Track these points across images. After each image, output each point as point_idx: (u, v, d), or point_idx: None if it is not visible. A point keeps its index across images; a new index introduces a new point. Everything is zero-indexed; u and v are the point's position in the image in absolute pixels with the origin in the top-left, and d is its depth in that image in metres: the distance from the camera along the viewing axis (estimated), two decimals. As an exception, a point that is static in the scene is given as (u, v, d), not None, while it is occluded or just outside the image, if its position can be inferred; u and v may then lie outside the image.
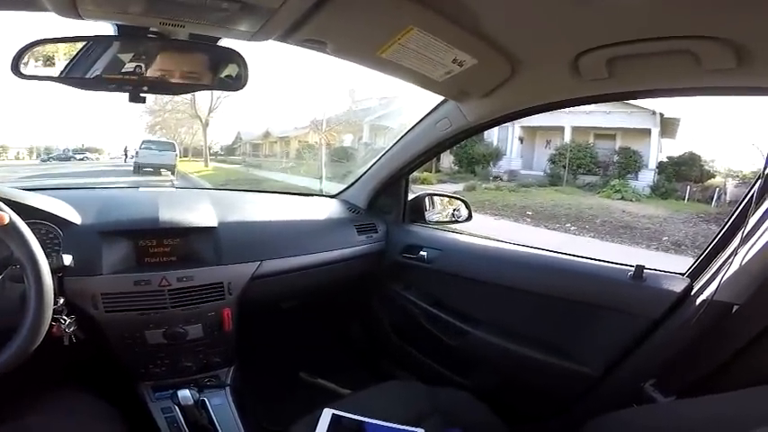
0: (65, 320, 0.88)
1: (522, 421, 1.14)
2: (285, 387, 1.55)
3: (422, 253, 1.41)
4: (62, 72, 0.81)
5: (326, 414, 0.90)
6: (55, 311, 0.80)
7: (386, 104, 11.91)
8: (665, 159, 9.43)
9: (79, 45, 0.80)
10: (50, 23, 0.80)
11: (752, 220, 0.86)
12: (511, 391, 1.22)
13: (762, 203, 0.86)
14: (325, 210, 1.52)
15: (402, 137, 1.40)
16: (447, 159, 10.99)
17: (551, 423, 1.19)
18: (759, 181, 0.86)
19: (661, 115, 9.24)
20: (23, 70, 0.77)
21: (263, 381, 1.47)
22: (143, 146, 10.43)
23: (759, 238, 0.84)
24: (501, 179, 10.27)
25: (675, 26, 0.66)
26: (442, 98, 1.20)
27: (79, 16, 0.70)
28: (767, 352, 0.76)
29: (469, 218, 1.61)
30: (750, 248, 0.84)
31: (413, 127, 1.35)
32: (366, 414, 0.91)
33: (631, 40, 0.72)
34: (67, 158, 13.67)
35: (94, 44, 0.80)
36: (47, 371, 0.93)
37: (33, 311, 0.72)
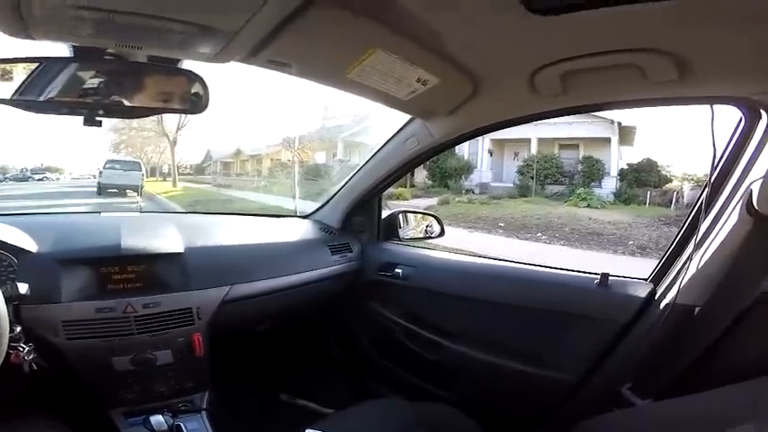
0: (23, 348, 0.86)
1: (506, 431, 1.14)
2: (265, 409, 1.51)
3: (397, 270, 1.41)
4: (12, 94, 0.77)
5: None
6: (12, 339, 0.80)
7: (359, 121, 11.98)
8: (626, 166, 9.91)
9: (31, 66, 0.77)
10: (5, 43, 0.77)
11: (703, 227, 0.91)
12: (493, 401, 1.23)
13: (710, 210, 0.91)
14: (298, 231, 1.51)
15: (372, 156, 1.41)
16: (421, 174, 11.13)
17: (535, 431, 1.19)
18: (706, 189, 0.91)
19: (619, 124, 9.75)
20: None
21: (242, 403, 1.43)
22: (107, 165, 9.94)
23: (711, 242, 0.89)
24: (473, 192, 10.47)
25: (620, 40, 0.71)
26: (409, 117, 1.22)
27: (31, 37, 0.67)
28: (734, 350, 0.80)
29: (442, 233, 1.63)
30: (704, 252, 0.89)
31: (382, 146, 1.37)
32: None
33: (581, 54, 0.76)
34: (25, 179, 12.90)
35: (47, 65, 0.77)
36: (10, 399, 0.91)
37: None
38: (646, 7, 0.59)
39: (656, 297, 1.01)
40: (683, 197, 8.66)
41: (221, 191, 12.06)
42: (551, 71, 0.82)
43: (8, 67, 0.77)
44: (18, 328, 0.84)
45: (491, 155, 11.15)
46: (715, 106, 0.84)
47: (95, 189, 9.82)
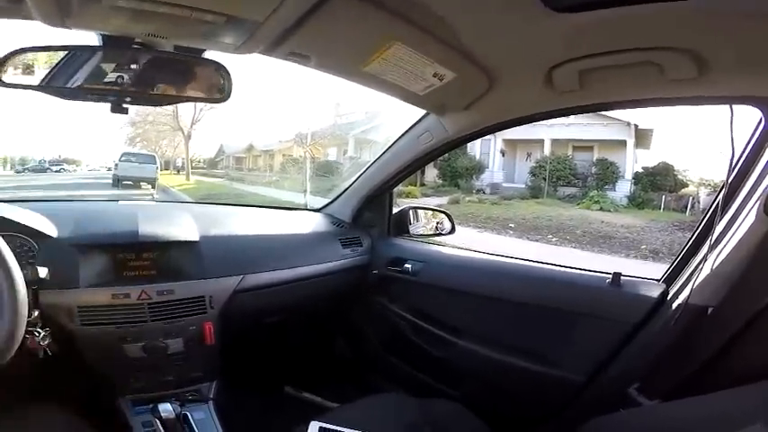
0: (39, 333, 0.86)
1: (512, 429, 1.14)
2: (270, 401, 1.53)
3: (406, 266, 1.42)
4: (43, 80, 0.80)
5: (314, 427, 0.89)
6: (29, 324, 0.80)
7: (371, 118, 11.99)
8: (641, 170, 9.74)
9: (62, 54, 0.79)
10: (31, 30, 0.79)
11: (719, 228, 0.90)
12: (499, 399, 1.23)
13: (727, 211, 0.90)
14: (309, 224, 1.53)
15: (385, 151, 1.42)
16: (431, 173, 11.09)
17: (541, 430, 1.20)
18: (723, 190, 0.90)
19: (635, 126, 9.58)
20: (4, 78, 0.76)
21: (248, 395, 1.44)
22: (122, 158, 10.12)
23: (727, 243, 0.88)
24: (484, 192, 10.41)
25: (640, 38, 0.70)
26: (423, 112, 1.23)
27: (65, 26, 0.70)
28: (745, 351, 0.79)
29: (452, 231, 1.63)
30: (719, 253, 0.89)
31: (396, 141, 1.37)
32: (355, 426, 0.90)
33: (600, 52, 0.76)
34: (43, 170, 13.19)
35: (78, 53, 0.80)
36: (21, 384, 0.91)
37: (7, 323, 0.70)
38: (666, 5, 0.59)
39: (669, 297, 1.00)
40: (698, 202, 8.49)
41: (233, 185, 12.19)
42: (569, 68, 0.82)
43: (39, 54, 0.80)
44: (36, 313, 0.84)
45: (503, 155, 11.07)
46: (735, 106, 0.83)
47: (111, 181, 10.02)
